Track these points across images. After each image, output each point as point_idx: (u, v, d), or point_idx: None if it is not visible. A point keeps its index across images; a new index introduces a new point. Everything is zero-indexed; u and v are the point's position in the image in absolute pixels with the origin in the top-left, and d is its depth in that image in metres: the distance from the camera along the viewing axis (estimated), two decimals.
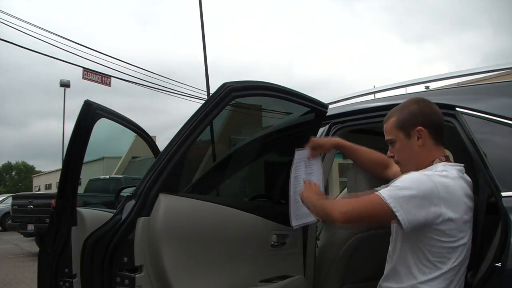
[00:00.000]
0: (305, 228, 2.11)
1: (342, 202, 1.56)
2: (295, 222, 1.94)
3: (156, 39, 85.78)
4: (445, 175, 1.50)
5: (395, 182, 1.52)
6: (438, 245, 1.49)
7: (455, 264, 1.50)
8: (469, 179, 1.58)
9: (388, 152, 1.71)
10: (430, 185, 1.45)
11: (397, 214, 1.43)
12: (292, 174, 1.95)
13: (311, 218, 1.94)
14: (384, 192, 1.47)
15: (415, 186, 1.45)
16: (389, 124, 1.66)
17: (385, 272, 1.65)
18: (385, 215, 1.46)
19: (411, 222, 1.43)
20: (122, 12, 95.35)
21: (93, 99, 1.93)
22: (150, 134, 2.53)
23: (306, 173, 1.99)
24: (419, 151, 1.60)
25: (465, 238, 1.51)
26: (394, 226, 1.63)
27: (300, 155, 1.99)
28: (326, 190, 2.12)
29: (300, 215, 1.95)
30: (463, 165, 1.60)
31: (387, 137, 1.68)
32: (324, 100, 2.23)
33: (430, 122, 1.60)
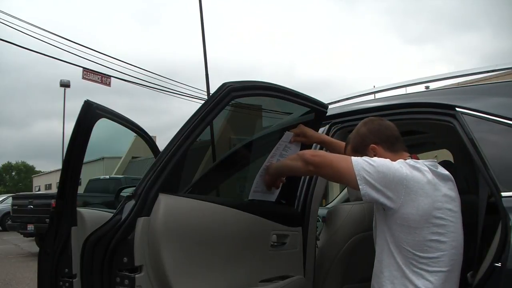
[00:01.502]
0: (305, 228, 2.12)
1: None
2: (251, 196, 1.99)
3: (158, 40, 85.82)
4: (413, 165, 1.51)
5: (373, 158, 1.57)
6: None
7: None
8: (444, 172, 1.56)
9: None
10: (397, 167, 1.49)
11: (356, 172, 1.48)
12: (272, 152, 2.01)
13: (269, 197, 2.02)
14: (356, 158, 1.54)
15: (386, 165, 1.49)
16: (347, 152, 1.74)
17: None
18: (347, 170, 1.51)
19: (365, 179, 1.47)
20: (123, 12, 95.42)
21: (94, 99, 1.93)
22: (150, 134, 2.53)
23: (280, 155, 2.04)
24: None
25: (442, 228, 1.49)
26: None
27: (287, 137, 2.06)
28: (326, 190, 2.14)
29: (258, 191, 1.99)
30: (435, 160, 1.59)
31: None
32: (324, 100, 2.24)
33: (381, 138, 1.67)
